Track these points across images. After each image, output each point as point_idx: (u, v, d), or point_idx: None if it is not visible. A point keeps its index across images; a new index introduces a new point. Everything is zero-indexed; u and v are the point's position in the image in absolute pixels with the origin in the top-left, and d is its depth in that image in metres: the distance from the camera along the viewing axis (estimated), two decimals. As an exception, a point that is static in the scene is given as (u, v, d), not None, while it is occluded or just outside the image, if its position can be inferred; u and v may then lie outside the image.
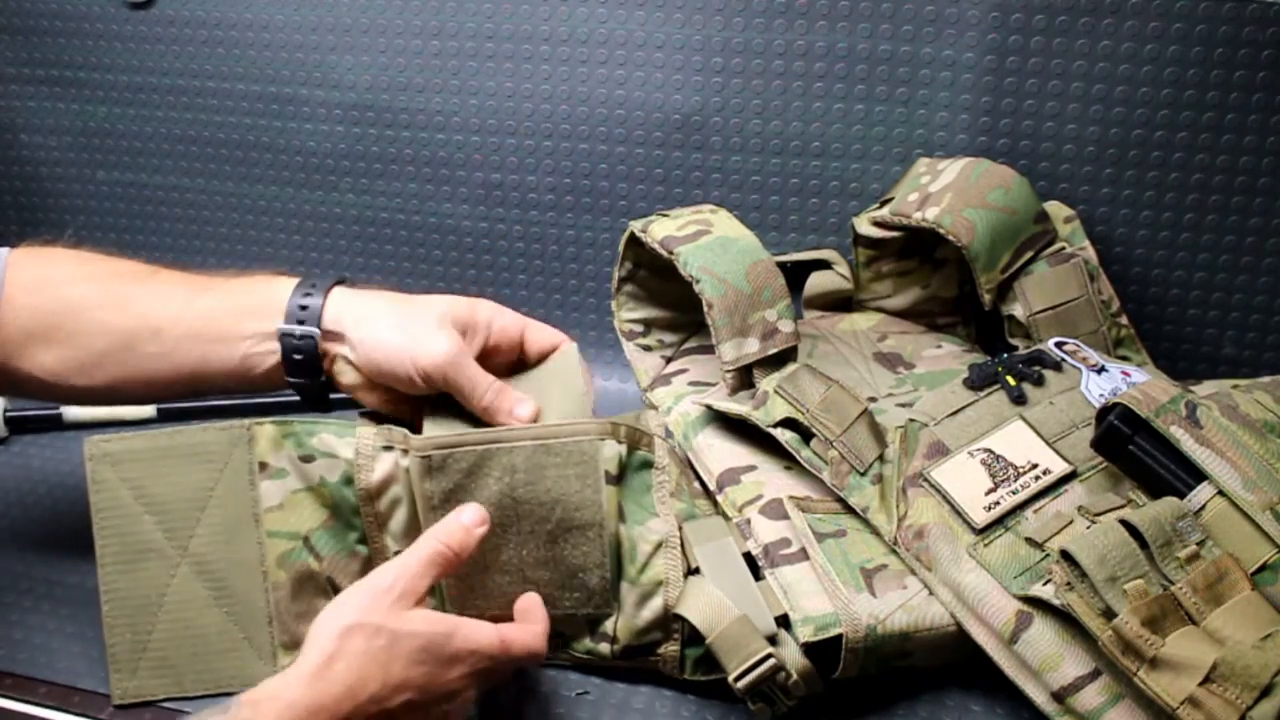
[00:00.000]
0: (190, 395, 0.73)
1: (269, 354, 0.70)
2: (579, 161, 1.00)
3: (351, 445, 0.68)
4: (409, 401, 0.71)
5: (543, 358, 0.74)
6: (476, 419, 0.70)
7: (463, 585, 0.68)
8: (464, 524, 0.64)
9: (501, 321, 0.72)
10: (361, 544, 0.70)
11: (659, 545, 0.69)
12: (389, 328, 0.68)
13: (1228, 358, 0.94)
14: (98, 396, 0.73)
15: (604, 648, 0.69)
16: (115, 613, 0.70)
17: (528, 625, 0.64)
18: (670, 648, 0.68)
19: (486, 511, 0.65)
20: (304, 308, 0.69)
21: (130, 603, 0.70)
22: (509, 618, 0.66)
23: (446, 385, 0.68)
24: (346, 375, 0.71)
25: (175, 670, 0.70)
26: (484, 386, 0.68)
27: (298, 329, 0.69)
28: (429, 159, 1.04)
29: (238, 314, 0.70)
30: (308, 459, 0.69)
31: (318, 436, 0.69)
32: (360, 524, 0.69)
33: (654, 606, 0.68)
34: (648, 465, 0.72)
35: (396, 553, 0.68)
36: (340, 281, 0.72)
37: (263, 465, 0.69)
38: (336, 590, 0.68)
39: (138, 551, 0.70)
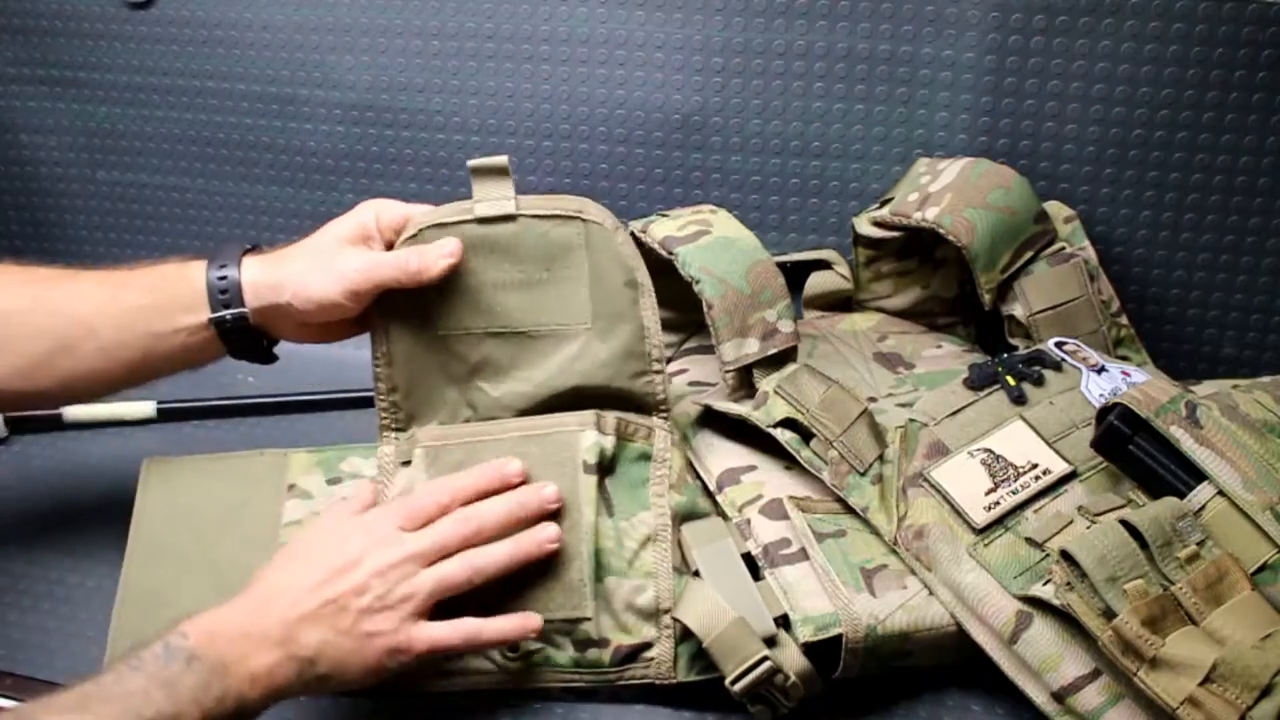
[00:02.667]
0: (141, 384, 0.74)
1: (207, 341, 0.71)
2: (579, 161, 1.00)
3: (374, 465, 0.73)
4: (353, 324, 0.74)
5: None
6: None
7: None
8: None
9: (389, 215, 0.73)
10: None
11: (647, 539, 0.69)
12: (305, 272, 0.70)
13: (1228, 358, 0.94)
14: (51, 399, 0.74)
15: (594, 654, 0.68)
16: (127, 607, 0.72)
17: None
18: (664, 646, 0.68)
19: None
20: (224, 291, 0.71)
21: (143, 599, 0.72)
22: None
23: (379, 286, 0.70)
24: (285, 329, 0.73)
25: None
26: (403, 258, 0.70)
27: (228, 314, 0.70)
28: (429, 159, 1.04)
29: (165, 308, 0.71)
30: (334, 481, 0.77)
31: (346, 460, 0.77)
32: None
33: (643, 601, 0.68)
34: (645, 458, 0.72)
35: None
36: (247, 251, 0.73)
37: (291, 486, 0.76)
38: None
39: (161, 554, 0.73)
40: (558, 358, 0.73)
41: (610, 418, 0.72)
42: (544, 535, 0.66)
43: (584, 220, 0.72)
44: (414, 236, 0.71)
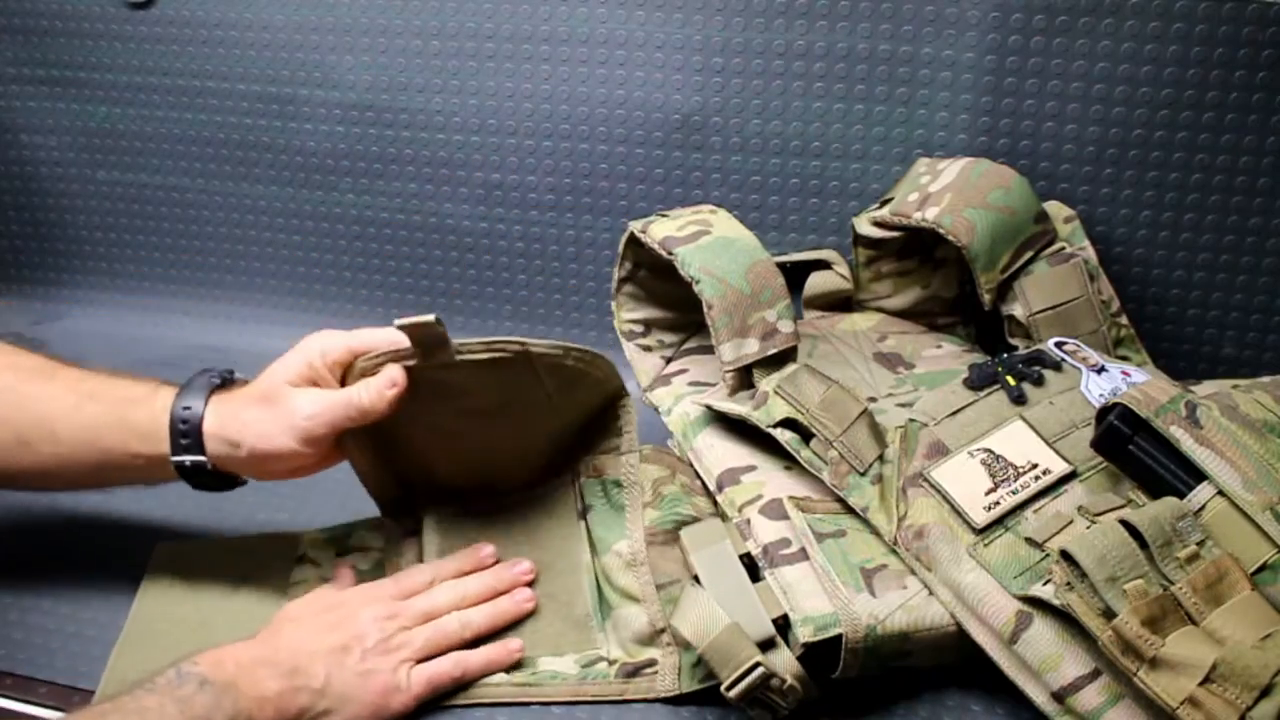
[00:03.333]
0: (100, 489, 0.74)
1: (166, 470, 0.70)
2: (579, 161, 1.00)
3: (382, 536, 0.77)
4: (324, 459, 0.72)
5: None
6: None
7: None
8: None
9: (333, 350, 0.71)
10: None
11: (628, 565, 0.72)
12: (260, 422, 0.68)
13: (1228, 358, 0.94)
14: (6, 483, 0.72)
15: (600, 667, 0.69)
16: (116, 676, 0.69)
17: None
18: (667, 662, 0.68)
19: None
20: (185, 435, 0.69)
21: (136, 667, 0.69)
22: None
23: (333, 429, 0.68)
24: (252, 473, 0.72)
25: None
26: (353, 396, 0.68)
27: (187, 460, 0.69)
28: (429, 159, 1.04)
29: (126, 435, 0.69)
30: (343, 553, 0.77)
31: (355, 535, 0.78)
32: None
33: (638, 626, 0.70)
34: (618, 485, 0.75)
35: None
36: (216, 387, 0.71)
37: (300, 557, 0.77)
38: None
39: (160, 625, 0.72)
40: (529, 428, 0.76)
41: (588, 463, 0.77)
42: (520, 597, 0.72)
43: (528, 351, 0.70)
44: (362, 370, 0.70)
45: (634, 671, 0.68)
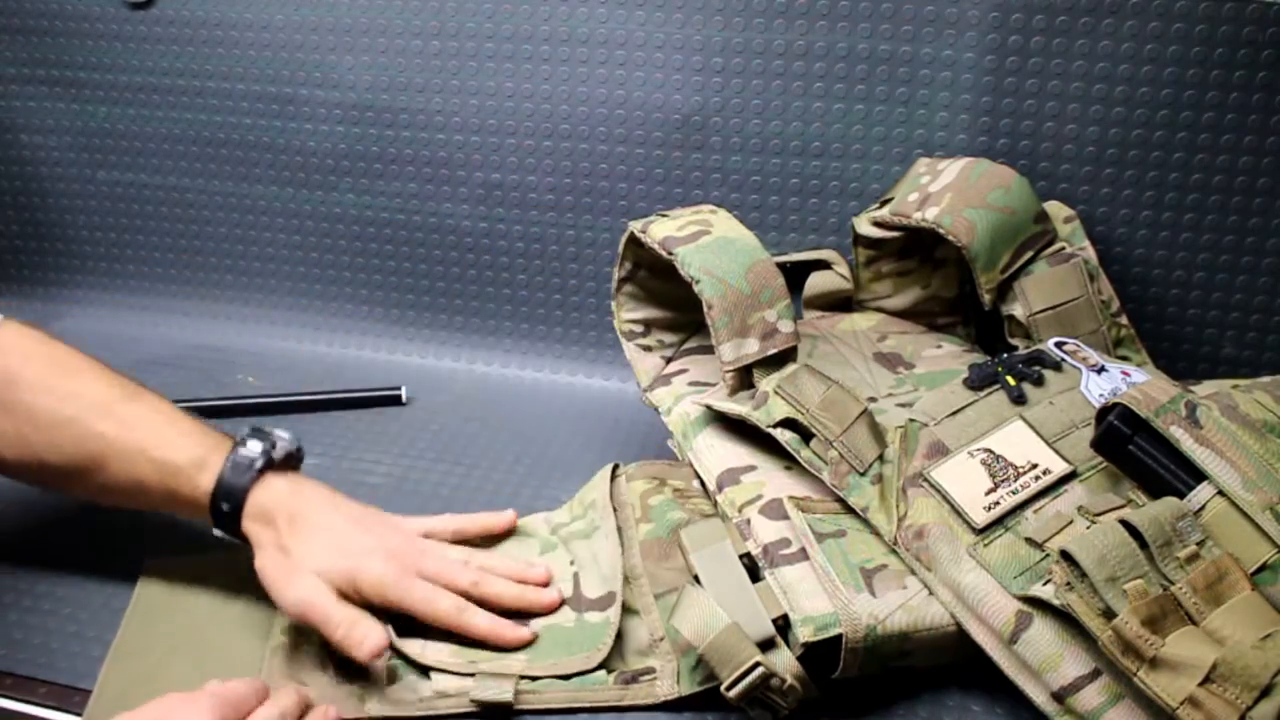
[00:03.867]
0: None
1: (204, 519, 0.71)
2: (579, 161, 1.00)
3: None
4: None
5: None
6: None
7: None
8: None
9: (377, 596, 0.68)
10: None
11: (626, 580, 0.72)
12: (275, 563, 0.68)
13: (1228, 358, 0.94)
14: (34, 482, 0.75)
15: (599, 673, 0.68)
16: (106, 691, 0.69)
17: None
18: (666, 669, 0.68)
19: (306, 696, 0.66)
20: (225, 517, 0.70)
21: (124, 683, 0.69)
22: None
23: (307, 624, 0.67)
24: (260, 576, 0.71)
25: None
26: (334, 624, 0.66)
27: (224, 535, 0.71)
28: (429, 159, 1.04)
29: (169, 496, 0.71)
30: None
31: None
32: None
33: (636, 639, 0.69)
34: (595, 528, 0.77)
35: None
36: (271, 465, 0.70)
37: None
38: (332, 658, 0.68)
39: (150, 642, 0.71)
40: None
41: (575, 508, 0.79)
42: (548, 597, 0.72)
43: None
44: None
45: (632, 678, 0.68)
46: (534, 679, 0.67)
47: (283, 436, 0.73)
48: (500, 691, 0.66)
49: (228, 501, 0.69)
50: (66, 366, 0.73)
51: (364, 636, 0.65)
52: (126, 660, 0.70)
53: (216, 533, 0.71)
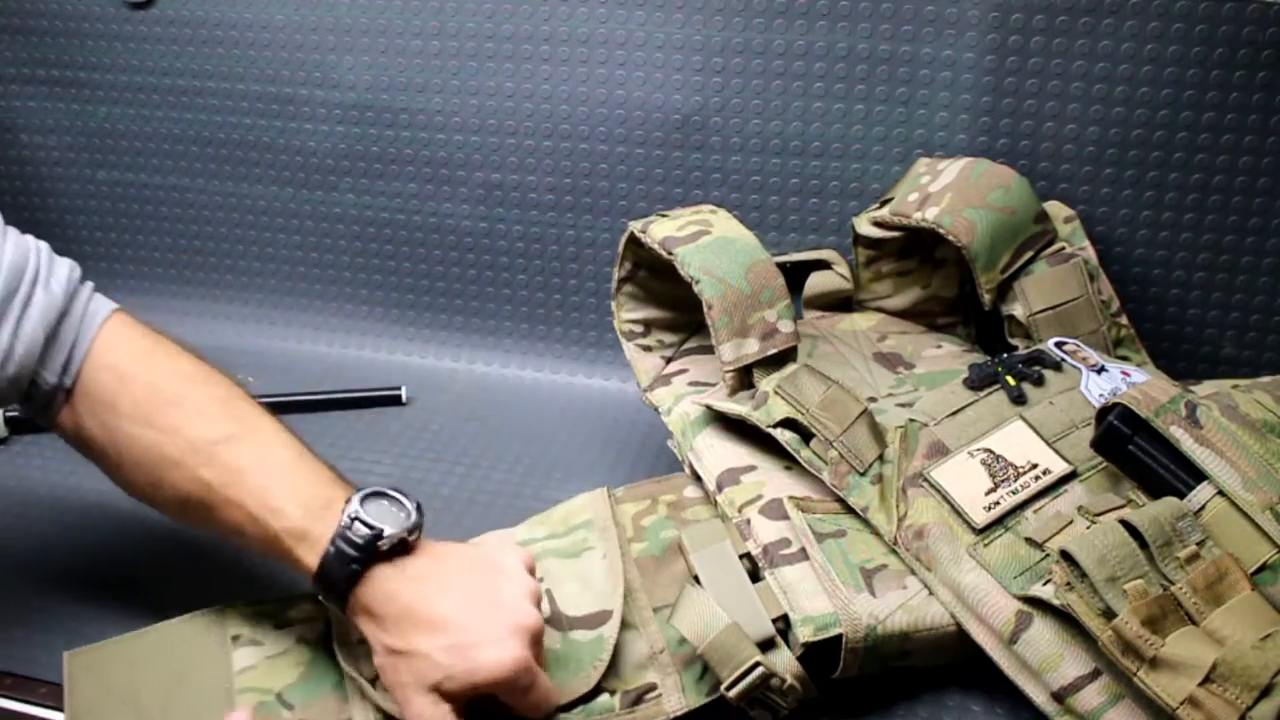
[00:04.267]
0: None
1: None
2: (579, 161, 1.00)
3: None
4: None
5: None
6: None
7: None
8: None
9: (467, 689, 0.61)
10: (340, 687, 0.67)
11: (625, 596, 0.70)
12: (388, 666, 0.62)
13: (1228, 358, 0.94)
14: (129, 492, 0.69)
15: (604, 700, 0.66)
16: None
17: None
18: (669, 683, 0.67)
19: None
20: (331, 589, 0.62)
21: None
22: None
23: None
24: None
25: None
26: None
27: (332, 608, 0.65)
28: (429, 159, 1.04)
29: (280, 550, 0.63)
30: (285, 625, 0.69)
31: (296, 608, 0.70)
32: (338, 668, 0.67)
33: (635, 652, 0.68)
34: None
35: (372, 681, 0.65)
36: (376, 557, 0.62)
37: (236, 637, 0.69)
38: None
39: None
40: None
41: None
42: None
43: None
44: None
45: (637, 698, 0.66)
46: None
47: (401, 508, 0.64)
48: None
49: (333, 592, 0.62)
50: (167, 395, 0.66)
51: None
52: None
53: (323, 600, 0.64)
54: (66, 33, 1.08)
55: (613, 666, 0.67)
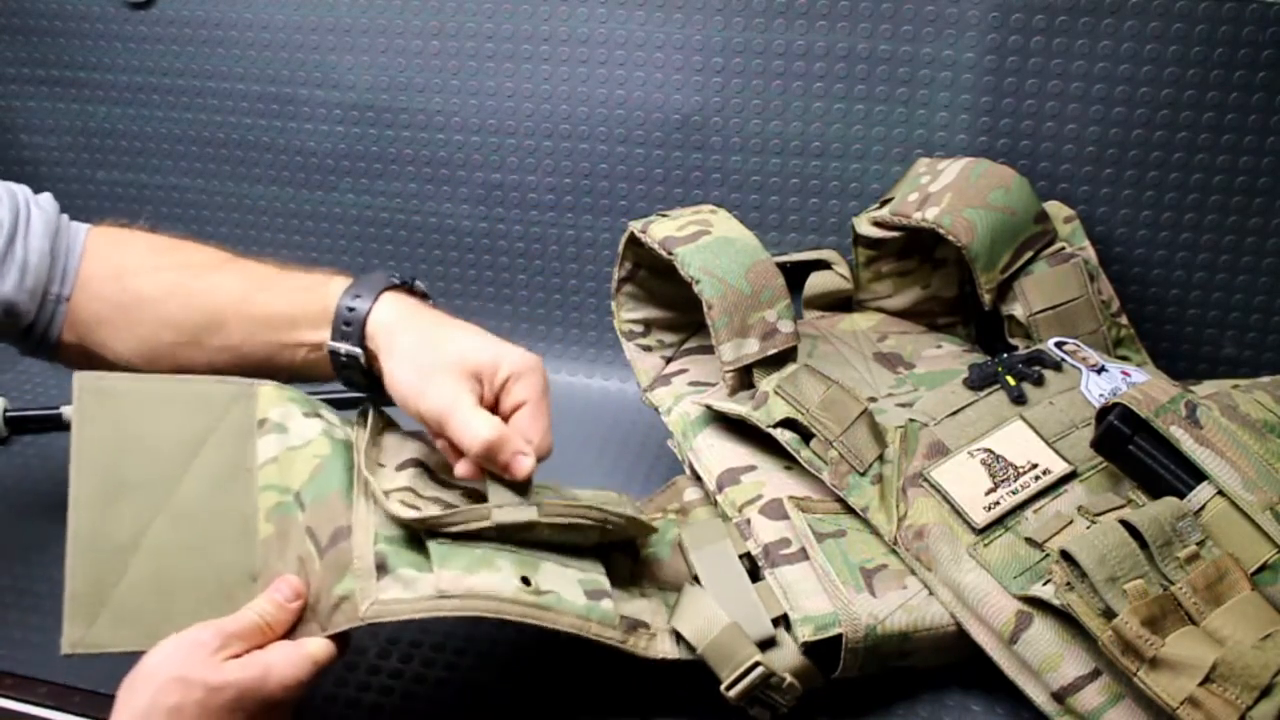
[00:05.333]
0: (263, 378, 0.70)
1: (324, 362, 0.70)
2: (579, 161, 1.00)
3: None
4: None
5: None
6: None
7: None
8: (281, 602, 0.61)
9: (523, 386, 0.66)
10: (346, 493, 0.65)
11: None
12: (406, 364, 0.66)
13: (1228, 358, 0.94)
14: (155, 368, 0.73)
15: (606, 604, 0.64)
16: (81, 556, 0.61)
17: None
18: (661, 629, 0.66)
19: (299, 585, 0.62)
20: (348, 324, 0.68)
21: (100, 546, 0.62)
22: None
23: (444, 434, 0.65)
24: (389, 388, 0.68)
25: (142, 622, 0.61)
26: (472, 437, 0.63)
27: (343, 348, 0.68)
28: (429, 159, 1.04)
29: (291, 320, 0.70)
30: (313, 415, 0.69)
31: (326, 408, 0.71)
32: (349, 472, 0.66)
33: (641, 611, 0.67)
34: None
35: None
36: (392, 286, 0.70)
37: (262, 421, 0.67)
38: (315, 541, 0.63)
39: (117, 491, 0.63)
40: None
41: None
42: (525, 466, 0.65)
43: (605, 528, 0.67)
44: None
45: (632, 627, 0.65)
46: (542, 591, 0.63)
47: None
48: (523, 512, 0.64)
49: (353, 307, 0.68)
50: (163, 244, 0.75)
51: (514, 454, 0.63)
52: (93, 514, 0.62)
53: (334, 345, 0.68)
54: (66, 33, 1.08)
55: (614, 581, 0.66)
